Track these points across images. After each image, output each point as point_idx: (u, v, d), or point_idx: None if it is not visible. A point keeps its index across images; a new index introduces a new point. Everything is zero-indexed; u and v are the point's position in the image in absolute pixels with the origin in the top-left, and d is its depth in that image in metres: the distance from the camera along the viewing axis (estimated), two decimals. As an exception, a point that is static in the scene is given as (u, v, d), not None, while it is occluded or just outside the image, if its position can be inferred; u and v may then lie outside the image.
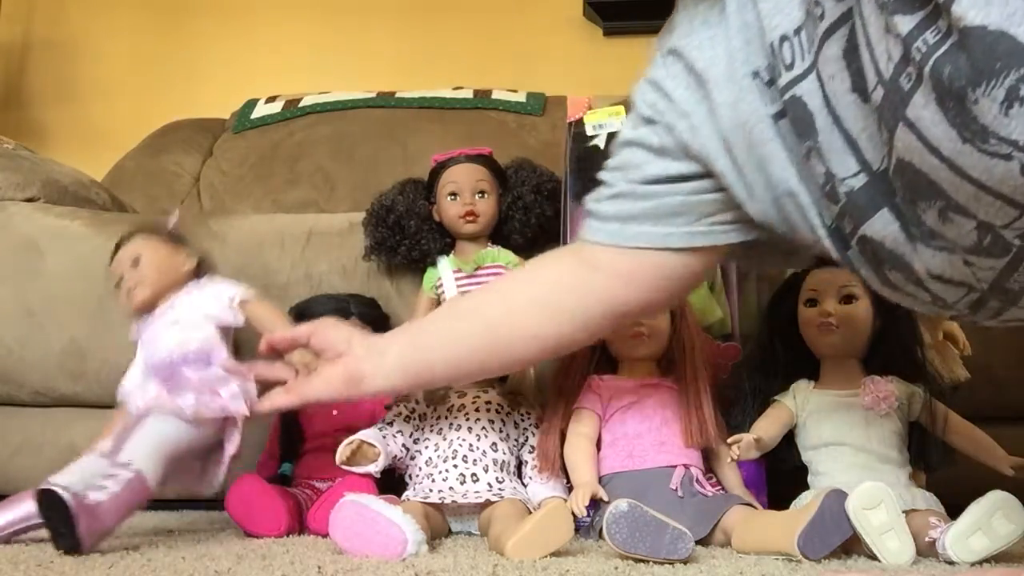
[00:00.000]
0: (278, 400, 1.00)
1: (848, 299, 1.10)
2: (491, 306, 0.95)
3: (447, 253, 1.37)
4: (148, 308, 1.17)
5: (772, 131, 0.72)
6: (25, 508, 0.98)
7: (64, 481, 0.87)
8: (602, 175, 0.87)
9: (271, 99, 2.24)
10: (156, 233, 1.22)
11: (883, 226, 0.67)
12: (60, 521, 0.85)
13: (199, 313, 1.14)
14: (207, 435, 1.05)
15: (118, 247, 1.21)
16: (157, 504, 1.37)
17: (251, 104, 2.24)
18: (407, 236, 1.36)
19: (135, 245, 1.19)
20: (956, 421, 1.08)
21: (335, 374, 0.96)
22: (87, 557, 0.85)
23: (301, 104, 2.19)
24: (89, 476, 0.90)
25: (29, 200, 1.49)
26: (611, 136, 1.43)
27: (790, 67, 0.68)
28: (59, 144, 2.50)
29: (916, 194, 0.62)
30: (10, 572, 0.76)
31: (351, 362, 0.96)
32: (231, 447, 1.06)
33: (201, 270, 1.22)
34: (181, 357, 1.08)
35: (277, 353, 1.04)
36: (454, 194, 1.36)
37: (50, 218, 1.46)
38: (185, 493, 1.11)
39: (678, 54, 0.77)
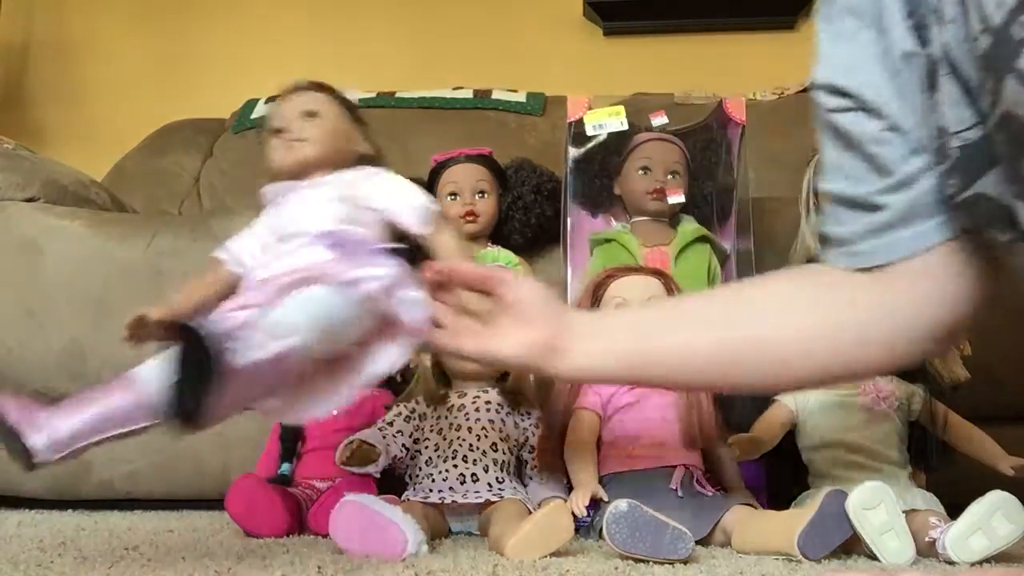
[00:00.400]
0: (449, 341, 0.79)
1: (848, 299, 1.10)
2: (753, 326, 0.75)
3: (447, 253, 1.37)
4: (299, 172, 1.00)
5: (921, 80, 0.67)
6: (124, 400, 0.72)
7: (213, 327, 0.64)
8: (824, 194, 0.74)
9: (271, 99, 2.24)
10: (341, 99, 1.04)
11: (1000, 181, 0.63)
12: (190, 382, 0.63)
13: (376, 202, 0.95)
14: (362, 332, 0.79)
15: (290, 92, 1.04)
16: (157, 504, 1.38)
17: (251, 104, 2.24)
18: (407, 236, 1.36)
19: (314, 98, 1.04)
20: (956, 421, 1.08)
21: (531, 338, 0.77)
22: (86, 558, 0.85)
23: (301, 104, 2.19)
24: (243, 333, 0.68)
25: (29, 200, 1.49)
26: (611, 135, 1.44)
27: (930, 14, 0.65)
28: (59, 144, 2.49)
29: (1020, 149, 0.59)
30: (10, 572, 0.76)
31: (557, 330, 0.78)
32: (382, 364, 0.79)
33: (370, 162, 1.06)
34: (341, 238, 0.87)
35: (438, 286, 0.82)
36: (454, 194, 1.36)
37: (50, 218, 1.46)
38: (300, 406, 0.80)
39: (843, 10, 0.71)
